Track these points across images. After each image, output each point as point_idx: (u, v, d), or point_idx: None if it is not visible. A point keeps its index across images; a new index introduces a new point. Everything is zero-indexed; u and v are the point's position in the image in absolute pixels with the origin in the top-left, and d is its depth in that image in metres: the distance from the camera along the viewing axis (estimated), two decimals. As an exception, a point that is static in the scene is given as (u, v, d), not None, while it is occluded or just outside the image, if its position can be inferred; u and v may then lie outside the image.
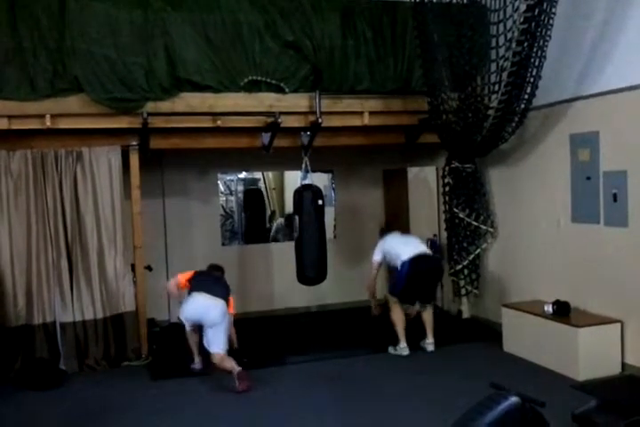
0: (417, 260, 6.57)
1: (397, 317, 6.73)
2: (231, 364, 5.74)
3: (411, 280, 6.54)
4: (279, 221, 11.12)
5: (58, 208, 6.48)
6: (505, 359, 6.43)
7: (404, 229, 8.67)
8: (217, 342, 5.80)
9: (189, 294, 6.07)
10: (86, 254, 6.58)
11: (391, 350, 6.72)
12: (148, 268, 7.14)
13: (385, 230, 7.63)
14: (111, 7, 6.23)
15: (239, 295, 8.29)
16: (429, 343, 6.76)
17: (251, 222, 10.97)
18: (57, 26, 6.09)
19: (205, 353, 6.00)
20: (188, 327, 6.21)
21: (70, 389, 6.00)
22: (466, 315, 8.06)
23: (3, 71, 6.01)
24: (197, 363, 6.30)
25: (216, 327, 5.81)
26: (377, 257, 6.98)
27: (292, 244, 7.28)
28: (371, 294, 7.10)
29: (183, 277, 6.28)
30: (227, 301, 6.01)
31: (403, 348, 6.65)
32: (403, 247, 6.77)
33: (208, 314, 5.83)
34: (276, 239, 10.34)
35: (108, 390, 5.94)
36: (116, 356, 6.66)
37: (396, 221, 9.00)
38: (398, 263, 6.66)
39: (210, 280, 6.27)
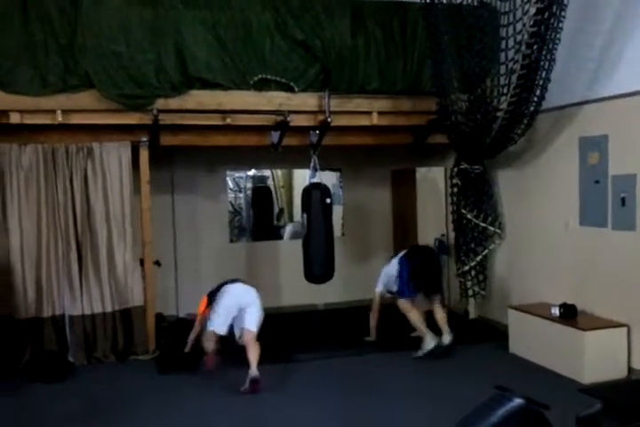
0: (412, 252, 6.85)
1: (415, 317, 6.59)
2: (255, 352, 5.75)
3: (413, 270, 6.68)
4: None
5: (68, 203, 6.55)
6: (510, 361, 6.45)
7: (412, 229, 8.71)
8: (253, 321, 5.95)
9: (219, 294, 6.17)
10: (96, 249, 6.64)
11: (419, 353, 6.46)
12: (157, 263, 7.18)
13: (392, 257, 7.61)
14: (123, 4, 6.29)
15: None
16: (447, 337, 6.55)
17: (259, 220, 11.01)
18: (69, 22, 6.15)
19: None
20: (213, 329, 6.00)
21: (77, 381, 6.06)
22: (472, 316, 8.08)
23: (15, 67, 6.07)
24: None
25: (252, 307, 6.01)
26: (379, 288, 7.12)
27: (300, 242, 7.30)
28: (373, 322, 7.13)
29: (201, 309, 6.42)
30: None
31: (429, 342, 6.43)
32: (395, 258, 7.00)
33: (246, 296, 6.12)
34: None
35: (114, 383, 6.00)
36: (124, 350, 6.72)
37: (404, 220, 9.03)
38: (394, 274, 6.85)
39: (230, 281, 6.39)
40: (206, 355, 6.00)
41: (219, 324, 5.96)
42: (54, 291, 6.52)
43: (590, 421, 4.25)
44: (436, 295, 6.81)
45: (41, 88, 6.14)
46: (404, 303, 6.68)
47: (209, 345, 5.98)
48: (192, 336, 6.49)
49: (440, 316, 6.73)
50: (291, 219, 11.05)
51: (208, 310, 6.28)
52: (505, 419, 3.35)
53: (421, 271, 6.73)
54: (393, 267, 6.96)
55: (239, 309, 6.02)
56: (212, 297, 6.26)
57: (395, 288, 6.88)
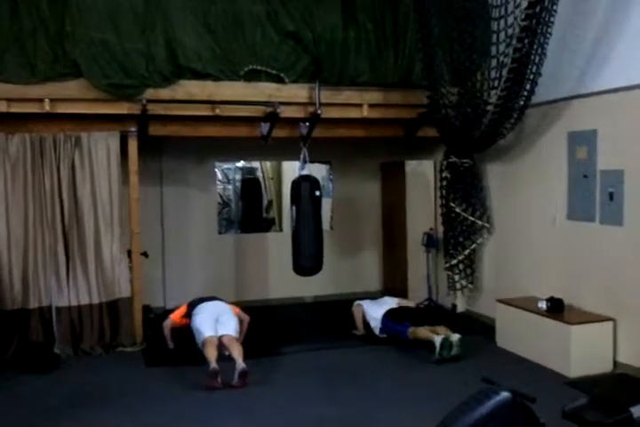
0: (391, 311, 6.85)
1: (423, 331, 6.39)
2: (238, 348, 5.73)
3: (393, 316, 6.75)
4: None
5: (55, 193, 6.50)
6: (497, 354, 6.47)
7: (401, 223, 8.71)
8: (228, 326, 6.01)
9: (194, 312, 6.29)
10: (83, 239, 6.60)
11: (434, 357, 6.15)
12: (145, 254, 7.15)
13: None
14: (112, -8, 6.23)
15: (234, 284, 8.37)
16: (455, 336, 6.22)
17: (247, 212, 11.01)
18: (57, 10, 6.11)
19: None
20: (207, 335, 5.88)
21: (64, 373, 6.03)
22: (460, 309, 8.10)
23: (3, 55, 6.01)
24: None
25: (227, 315, 6.17)
26: (359, 306, 7.19)
27: (289, 234, 7.29)
28: (358, 319, 7.16)
29: (177, 315, 6.51)
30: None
31: (437, 341, 6.14)
32: (376, 307, 7.01)
33: (217, 308, 6.30)
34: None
35: (101, 375, 5.97)
36: (111, 341, 6.70)
37: (393, 214, 9.02)
38: (371, 322, 6.90)
39: (207, 299, 6.53)
40: (209, 374, 5.46)
41: (206, 330, 5.92)
42: (41, 282, 6.48)
43: (576, 414, 4.28)
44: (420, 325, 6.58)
45: (29, 76, 6.11)
46: (412, 330, 6.50)
47: (211, 353, 5.64)
48: (166, 331, 6.50)
49: (440, 328, 6.45)
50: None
51: (185, 320, 6.38)
52: (492, 412, 3.36)
53: (399, 313, 6.82)
54: (379, 308, 6.96)
55: (215, 320, 6.08)
56: (191, 309, 6.38)
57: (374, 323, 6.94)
